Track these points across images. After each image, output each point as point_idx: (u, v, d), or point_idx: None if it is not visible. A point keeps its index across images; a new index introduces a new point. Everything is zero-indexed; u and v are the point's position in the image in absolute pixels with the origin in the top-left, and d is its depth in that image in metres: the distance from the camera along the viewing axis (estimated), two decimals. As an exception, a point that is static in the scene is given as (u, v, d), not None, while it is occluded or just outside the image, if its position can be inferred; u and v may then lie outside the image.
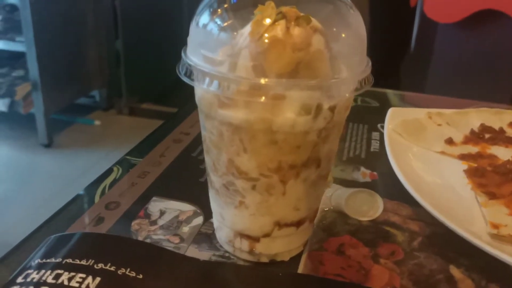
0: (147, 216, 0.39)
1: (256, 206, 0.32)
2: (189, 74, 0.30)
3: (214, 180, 0.33)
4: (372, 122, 0.59)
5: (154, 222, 0.39)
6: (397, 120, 0.53)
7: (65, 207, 0.40)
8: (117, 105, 2.40)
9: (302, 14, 0.30)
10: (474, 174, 0.45)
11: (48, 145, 2.10)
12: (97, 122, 2.29)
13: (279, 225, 0.33)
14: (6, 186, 1.82)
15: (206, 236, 0.37)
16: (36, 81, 1.99)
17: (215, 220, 0.36)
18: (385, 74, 1.47)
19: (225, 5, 0.32)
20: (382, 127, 0.58)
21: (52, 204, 1.54)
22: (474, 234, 0.35)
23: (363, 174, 0.48)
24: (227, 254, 0.35)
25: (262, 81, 0.27)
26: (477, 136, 0.53)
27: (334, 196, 0.44)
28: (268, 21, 0.29)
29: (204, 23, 0.31)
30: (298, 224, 0.33)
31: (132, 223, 0.38)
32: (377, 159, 0.51)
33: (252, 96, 0.28)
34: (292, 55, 0.28)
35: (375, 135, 0.56)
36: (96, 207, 0.40)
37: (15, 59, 2.22)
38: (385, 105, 0.67)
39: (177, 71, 0.31)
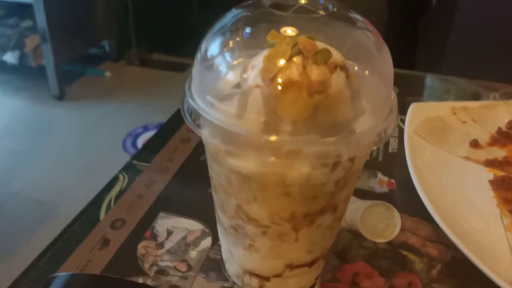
0: (154, 237, 0.38)
1: (267, 251, 0.30)
2: (191, 114, 0.27)
3: (222, 219, 0.31)
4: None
5: (161, 245, 0.37)
6: (419, 117, 0.50)
7: (71, 225, 0.38)
8: (127, 56, 2.34)
9: (320, 46, 0.26)
10: (501, 186, 0.42)
11: (60, 98, 2.08)
12: (108, 74, 2.26)
13: (291, 267, 0.31)
14: (21, 140, 1.82)
15: (214, 263, 0.36)
16: (44, 32, 1.93)
17: (224, 253, 0.34)
18: (405, 34, 1.39)
19: (237, 38, 0.28)
20: (402, 120, 0.54)
21: (68, 158, 1.55)
22: (497, 270, 0.33)
23: (380, 182, 0.45)
24: (236, 287, 0.34)
25: (273, 138, 0.24)
26: (504, 136, 0.49)
27: (349, 211, 0.41)
28: (281, 61, 0.25)
29: (213, 55, 0.28)
30: (311, 264, 0.31)
31: (139, 246, 0.37)
32: (396, 163, 0.48)
33: (263, 151, 0.25)
34: (309, 100, 0.25)
35: (394, 131, 0.53)
36: (102, 226, 0.38)
37: (24, 9, 2.15)
38: (406, 91, 0.62)
39: (180, 108, 0.28)
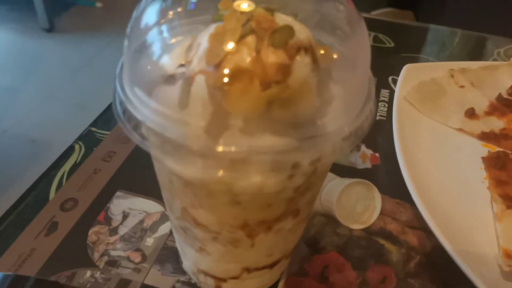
0: (108, 220, 0.34)
1: (219, 255, 0.26)
2: (125, 111, 0.22)
3: (171, 217, 0.27)
4: (383, 73, 0.50)
5: (114, 231, 0.33)
6: (412, 80, 0.44)
7: (16, 205, 0.35)
8: (119, -15, 2.21)
9: (281, 23, 0.20)
10: (494, 164, 0.38)
11: (49, 30, 1.99)
12: (98, 4, 2.14)
13: (249, 270, 0.27)
14: (11, 75, 1.76)
15: (172, 253, 0.32)
16: (29, -41, 1.80)
17: (178, 248, 0.31)
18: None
19: (179, 8, 0.22)
20: (394, 81, 0.48)
21: (58, 94, 1.50)
22: (481, 271, 0.29)
23: (363, 156, 0.41)
24: (193, 281, 0.31)
25: (220, 148, 0.19)
26: (504, 103, 0.44)
27: (325, 190, 0.37)
28: (230, 44, 0.20)
29: (146, 28, 0.22)
30: (272, 265, 0.28)
31: (90, 232, 0.33)
32: (383, 133, 0.43)
33: (205, 158, 0.20)
34: (261, 93, 0.20)
35: (384, 93, 0.48)
36: (51, 206, 0.35)
37: None
38: (403, 45, 0.56)
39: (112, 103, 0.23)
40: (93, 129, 0.41)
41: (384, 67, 0.50)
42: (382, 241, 0.34)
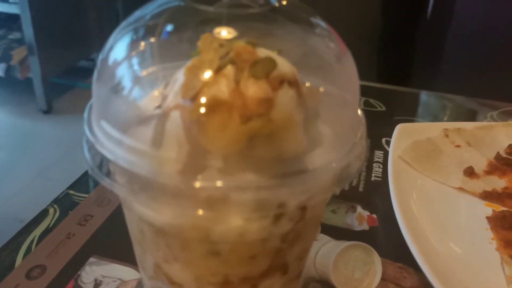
0: (77, 289, 0.30)
1: (198, 322, 0.22)
2: (90, 148, 0.20)
3: (143, 277, 0.24)
4: (376, 135, 0.49)
5: (84, 301, 0.30)
6: (406, 140, 0.43)
7: (-23, 273, 0.31)
8: (118, 69, 2.28)
9: (262, 55, 0.19)
10: (501, 224, 0.35)
11: (47, 111, 2.02)
12: (97, 87, 2.19)
13: None
14: (5, 154, 1.75)
15: (147, 324, 0.28)
16: (31, 45, 1.88)
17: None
18: (398, 43, 1.33)
19: (152, 39, 0.21)
20: (388, 143, 0.47)
21: (51, 173, 1.47)
22: None
23: (360, 218, 0.38)
24: None
25: (196, 184, 0.17)
26: (504, 162, 0.42)
27: (320, 254, 0.34)
28: (207, 74, 0.18)
29: (115, 61, 0.21)
30: (259, 335, 0.24)
31: (56, 302, 0.29)
32: (379, 194, 0.40)
33: (178, 198, 0.18)
34: (242, 127, 0.18)
35: (378, 155, 0.46)
36: (15, 274, 0.31)
37: (12, 21, 2.10)
38: (394, 108, 0.56)
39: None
40: (71, 191, 0.39)
41: (377, 129, 0.49)
42: (385, 310, 0.30)
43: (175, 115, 0.19)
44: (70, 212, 0.37)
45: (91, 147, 0.20)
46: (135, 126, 0.20)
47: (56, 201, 0.38)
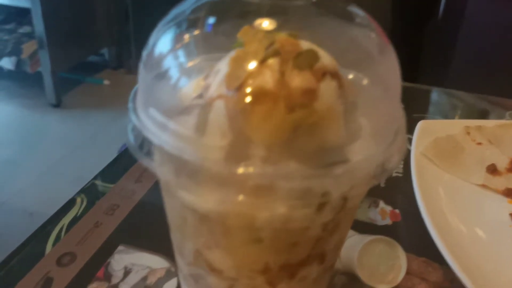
0: (107, 277, 0.31)
1: (234, 308, 0.23)
2: (137, 136, 0.20)
3: (180, 264, 0.24)
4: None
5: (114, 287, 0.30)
6: (428, 137, 0.43)
7: (8, 261, 0.32)
8: (126, 64, 2.29)
9: (305, 47, 0.19)
10: (524, 221, 0.36)
11: (56, 105, 2.03)
12: (106, 82, 2.20)
13: (267, 328, 0.24)
14: (14, 148, 1.76)
15: (177, 312, 0.29)
16: (42, 39, 1.89)
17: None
18: (409, 42, 1.33)
19: (196, 31, 0.21)
20: (409, 140, 0.47)
21: (60, 168, 1.48)
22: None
23: (382, 212, 0.38)
24: None
25: (240, 170, 0.18)
26: (526, 160, 0.42)
27: (345, 247, 0.34)
28: (252, 65, 0.19)
29: (161, 53, 0.21)
30: (292, 324, 0.25)
31: (87, 289, 0.30)
32: (401, 189, 0.41)
33: (224, 185, 0.18)
34: (287, 117, 0.18)
35: (399, 151, 0.46)
36: (46, 261, 0.32)
37: (22, 15, 2.11)
38: (411, 107, 0.56)
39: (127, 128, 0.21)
40: (97, 182, 0.39)
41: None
42: (411, 303, 0.31)
43: (219, 105, 0.19)
44: (97, 201, 0.37)
45: (137, 134, 0.20)
46: (177, 115, 0.21)
47: (82, 190, 0.38)
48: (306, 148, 0.19)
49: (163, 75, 0.21)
